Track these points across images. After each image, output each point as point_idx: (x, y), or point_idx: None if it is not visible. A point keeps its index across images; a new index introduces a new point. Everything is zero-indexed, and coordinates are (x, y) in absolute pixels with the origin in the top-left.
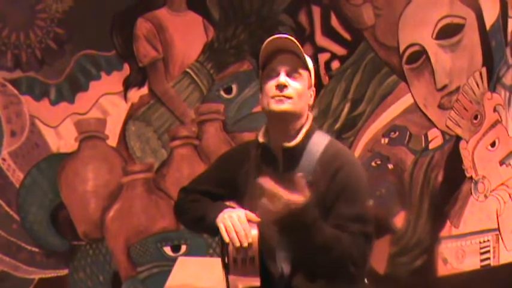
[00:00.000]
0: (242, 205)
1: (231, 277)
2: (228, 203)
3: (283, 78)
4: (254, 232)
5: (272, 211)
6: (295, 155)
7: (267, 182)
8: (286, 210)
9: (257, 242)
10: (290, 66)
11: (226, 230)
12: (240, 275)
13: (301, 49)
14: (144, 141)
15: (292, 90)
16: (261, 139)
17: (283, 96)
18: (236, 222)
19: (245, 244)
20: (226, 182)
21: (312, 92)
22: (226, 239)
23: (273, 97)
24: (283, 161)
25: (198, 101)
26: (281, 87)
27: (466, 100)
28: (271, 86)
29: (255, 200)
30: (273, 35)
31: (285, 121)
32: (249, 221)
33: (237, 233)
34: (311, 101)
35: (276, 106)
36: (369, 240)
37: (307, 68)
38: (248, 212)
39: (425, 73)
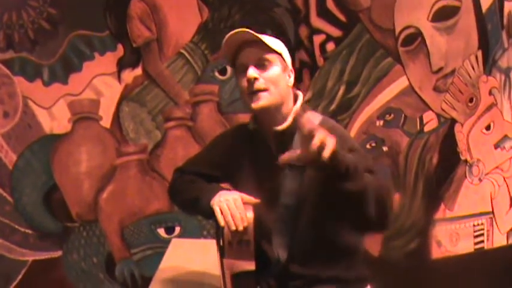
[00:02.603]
0: (237, 187)
1: (226, 260)
2: (223, 185)
3: (251, 72)
4: (250, 215)
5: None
6: (286, 137)
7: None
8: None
9: (253, 225)
10: (256, 56)
11: (222, 213)
12: (235, 259)
13: (261, 36)
14: (138, 122)
15: (264, 81)
16: (251, 125)
17: (257, 90)
18: (232, 205)
19: (241, 228)
20: (221, 164)
21: (291, 72)
22: (222, 222)
23: (248, 94)
24: (275, 145)
25: (192, 82)
26: (251, 81)
27: (461, 83)
28: (243, 82)
29: (251, 186)
30: (268, 15)
31: (268, 112)
32: (244, 203)
33: (232, 216)
34: (291, 82)
35: (253, 104)
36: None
37: (276, 52)
38: (244, 195)
39: (421, 56)
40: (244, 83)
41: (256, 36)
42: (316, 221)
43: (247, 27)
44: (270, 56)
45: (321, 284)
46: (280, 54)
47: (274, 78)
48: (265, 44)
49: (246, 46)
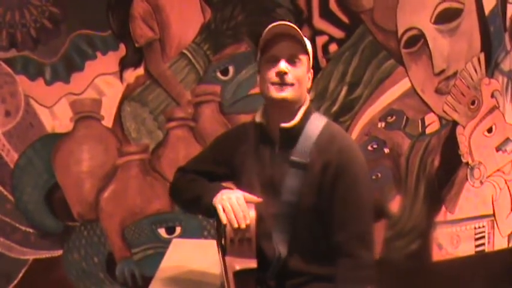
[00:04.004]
0: (239, 186)
1: (227, 258)
2: (224, 184)
3: (283, 65)
4: (252, 214)
5: None
6: (292, 136)
7: None
8: None
9: (255, 223)
10: (290, 52)
11: (225, 211)
12: (236, 256)
13: (301, 34)
14: (140, 122)
15: (293, 77)
16: (258, 119)
17: (285, 83)
18: (234, 203)
19: (243, 225)
20: (223, 162)
21: (310, 74)
22: (224, 220)
23: (273, 83)
24: (280, 142)
25: (194, 82)
26: (281, 74)
27: (463, 85)
28: (271, 72)
29: (253, 181)
30: (271, 16)
31: (284, 106)
32: (246, 202)
33: (235, 214)
34: (309, 84)
35: (276, 94)
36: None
37: (306, 52)
38: (246, 194)
39: (423, 57)
40: (272, 74)
41: (298, 33)
42: (315, 220)
43: (249, 27)
44: (301, 56)
45: (319, 281)
46: (308, 56)
47: (300, 76)
48: (301, 43)
49: (281, 39)
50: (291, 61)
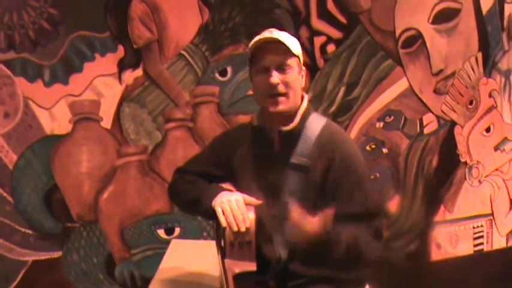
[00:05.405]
0: (238, 187)
1: (227, 261)
2: (223, 185)
3: (275, 78)
4: (252, 216)
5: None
6: (291, 138)
7: (295, 210)
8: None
9: (254, 226)
10: (278, 60)
11: (224, 214)
12: (236, 259)
13: (287, 41)
14: (139, 123)
15: (285, 86)
16: (255, 122)
17: (278, 94)
18: (234, 206)
19: (243, 228)
20: (222, 163)
21: (303, 73)
22: (224, 223)
23: (267, 95)
24: (279, 145)
25: (192, 83)
26: (273, 86)
27: (461, 85)
28: (263, 83)
29: (252, 184)
30: (269, 17)
31: (281, 115)
32: (246, 204)
33: (234, 217)
34: (303, 83)
35: (272, 108)
36: (379, 234)
37: (295, 55)
38: (246, 196)
39: (421, 58)
40: (264, 85)
41: (284, 44)
42: None
43: (247, 28)
44: (290, 61)
45: (319, 283)
46: (298, 57)
47: (292, 82)
48: (287, 47)
49: (269, 48)
50: (281, 69)
